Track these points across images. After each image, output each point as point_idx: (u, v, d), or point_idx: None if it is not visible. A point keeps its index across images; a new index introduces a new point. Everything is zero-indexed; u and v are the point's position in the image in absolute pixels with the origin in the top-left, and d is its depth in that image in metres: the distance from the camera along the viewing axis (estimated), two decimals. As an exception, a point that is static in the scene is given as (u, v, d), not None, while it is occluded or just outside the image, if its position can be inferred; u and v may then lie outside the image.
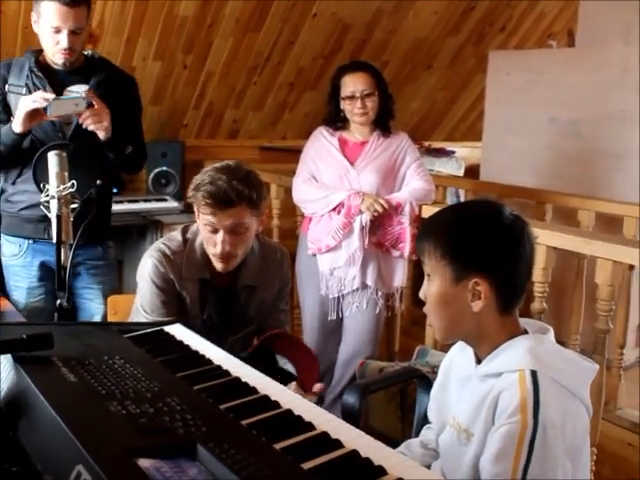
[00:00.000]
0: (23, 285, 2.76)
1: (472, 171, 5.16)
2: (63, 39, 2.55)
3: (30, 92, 2.60)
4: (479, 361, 1.50)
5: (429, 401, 1.68)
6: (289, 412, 1.28)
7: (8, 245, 2.77)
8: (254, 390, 1.38)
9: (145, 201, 4.21)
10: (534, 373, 1.38)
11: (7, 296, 2.75)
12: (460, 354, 1.58)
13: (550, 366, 1.41)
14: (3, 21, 3.65)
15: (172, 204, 4.27)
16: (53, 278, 2.43)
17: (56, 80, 2.65)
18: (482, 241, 1.45)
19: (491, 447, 1.37)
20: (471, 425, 1.46)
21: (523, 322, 1.52)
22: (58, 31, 2.54)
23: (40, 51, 2.69)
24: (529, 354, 1.42)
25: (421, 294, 1.54)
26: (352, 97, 3.04)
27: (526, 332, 1.49)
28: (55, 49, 2.59)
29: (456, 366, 1.60)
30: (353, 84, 3.04)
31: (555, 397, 1.37)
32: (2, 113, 2.67)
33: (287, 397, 1.37)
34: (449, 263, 1.45)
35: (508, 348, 1.45)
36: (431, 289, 1.49)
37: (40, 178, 2.07)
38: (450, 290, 1.46)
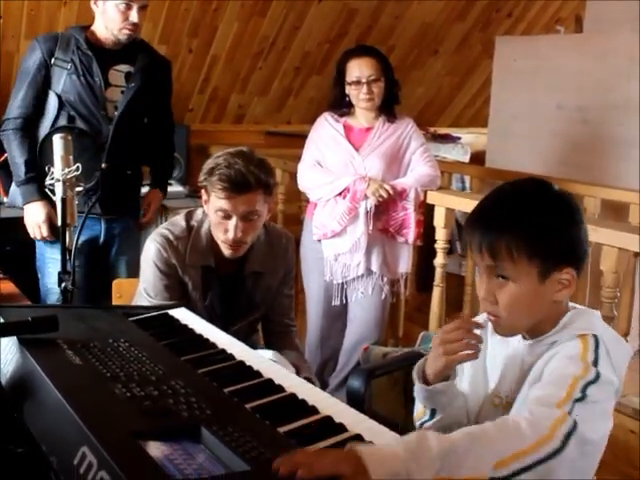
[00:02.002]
0: (57, 257, 2.78)
1: (478, 157, 5.14)
2: (134, 14, 2.73)
3: (76, 68, 2.74)
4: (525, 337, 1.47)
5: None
6: (293, 396, 1.29)
7: None
8: (258, 374, 1.38)
9: (150, 185, 4.20)
10: (595, 336, 1.37)
11: (36, 274, 2.93)
12: (491, 335, 1.54)
13: (605, 337, 1.40)
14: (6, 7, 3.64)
15: (177, 188, 4.25)
16: (88, 252, 2.53)
17: (102, 58, 2.79)
18: (566, 229, 1.37)
19: (541, 384, 1.33)
20: (511, 393, 1.44)
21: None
22: (129, 7, 2.71)
23: (87, 28, 2.82)
24: (592, 323, 1.41)
25: (487, 296, 1.40)
26: (358, 82, 3.02)
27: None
28: (123, 24, 2.74)
29: (492, 346, 1.54)
30: (359, 69, 3.02)
31: (607, 364, 1.36)
32: (41, 87, 2.78)
33: (291, 381, 1.37)
34: (538, 261, 1.35)
35: (573, 320, 1.41)
36: (512, 292, 1.36)
37: (45, 161, 2.08)
38: (537, 288, 1.36)
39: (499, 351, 1.53)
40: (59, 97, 2.76)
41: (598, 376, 1.31)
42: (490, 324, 1.53)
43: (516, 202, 1.39)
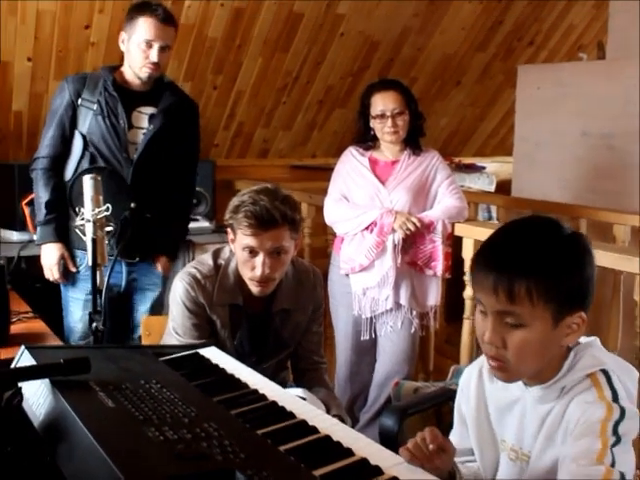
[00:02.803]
0: (80, 297, 2.87)
1: (503, 186, 5.12)
2: (153, 53, 2.76)
3: (102, 109, 2.78)
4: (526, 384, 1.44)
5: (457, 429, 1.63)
6: (328, 437, 1.27)
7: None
8: (291, 415, 1.36)
9: (176, 221, 4.22)
10: (604, 371, 1.36)
11: (60, 310, 2.94)
12: (489, 384, 1.52)
13: (612, 367, 1.38)
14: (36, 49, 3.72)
15: (204, 224, 4.28)
16: (109, 295, 2.55)
17: (127, 100, 2.83)
18: (581, 272, 1.34)
19: (573, 439, 1.30)
20: (527, 446, 1.42)
21: None
22: (150, 46, 2.75)
23: (116, 69, 2.87)
24: (596, 357, 1.38)
25: (494, 340, 1.34)
26: (382, 116, 3.03)
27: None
28: (144, 62, 2.78)
29: (492, 395, 1.52)
30: (383, 103, 3.03)
31: (624, 390, 1.35)
32: (67, 126, 2.83)
33: (325, 422, 1.35)
34: (555, 305, 1.31)
35: (577, 360, 1.39)
36: (524, 337, 1.32)
37: (75, 202, 2.10)
38: (549, 333, 1.33)
39: (501, 399, 1.50)
40: (84, 137, 2.80)
41: (623, 412, 1.29)
42: (485, 370, 1.51)
43: (531, 243, 1.35)
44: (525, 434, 1.43)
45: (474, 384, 1.55)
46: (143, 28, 2.74)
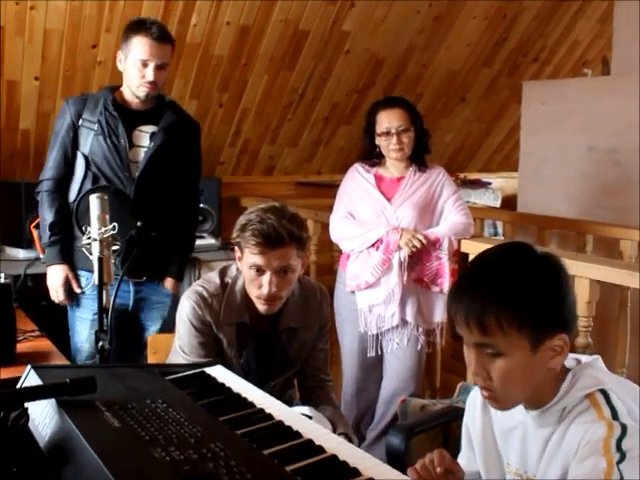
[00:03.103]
0: (87, 316, 2.87)
1: (509, 202, 5.12)
2: (149, 72, 2.74)
3: (102, 129, 2.79)
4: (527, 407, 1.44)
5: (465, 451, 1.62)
6: (334, 457, 1.26)
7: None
8: (298, 434, 1.36)
9: (182, 238, 4.23)
10: (603, 390, 1.35)
11: (67, 330, 2.94)
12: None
13: (612, 386, 1.37)
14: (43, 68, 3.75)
15: (209, 241, 4.28)
16: (116, 313, 2.55)
17: (128, 119, 2.82)
18: (554, 294, 1.33)
19: (577, 461, 1.29)
20: (531, 470, 1.42)
21: (572, 356, 1.46)
22: (145, 65, 2.74)
23: (116, 89, 2.88)
24: (594, 377, 1.38)
25: (478, 371, 1.35)
26: (388, 133, 3.04)
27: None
28: (140, 82, 2.77)
29: (497, 418, 1.52)
30: (388, 120, 3.04)
31: (625, 408, 1.34)
32: (69, 148, 2.84)
33: (331, 441, 1.34)
34: (529, 331, 1.30)
35: (575, 381, 1.38)
36: (504, 366, 1.32)
37: (81, 221, 2.10)
38: (530, 360, 1.32)
39: (504, 422, 1.49)
40: (86, 158, 2.81)
41: (625, 428, 1.28)
42: (478, 398, 1.51)
43: (499, 271, 1.35)
44: (528, 458, 1.43)
45: (480, 406, 1.55)
46: (138, 48, 2.72)
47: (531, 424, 1.43)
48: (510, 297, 1.30)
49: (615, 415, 1.30)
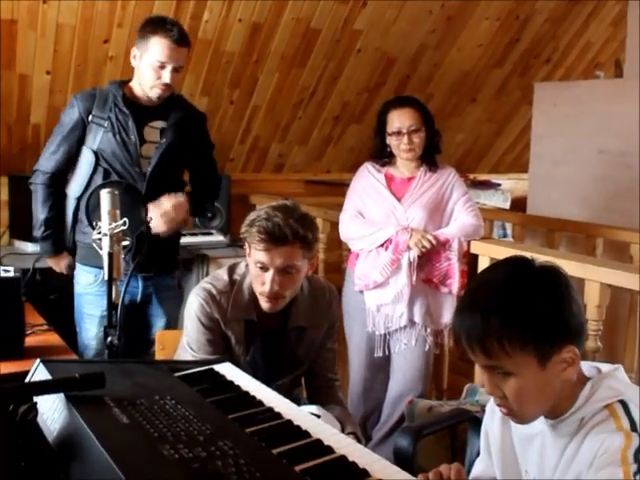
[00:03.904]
0: (96, 313, 2.85)
1: (518, 203, 5.10)
2: (166, 75, 2.72)
3: (112, 125, 2.77)
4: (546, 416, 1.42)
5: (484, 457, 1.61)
6: (343, 458, 1.25)
7: (84, 275, 2.89)
8: (307, 434, 1.35)
9: (191, 235, 4.23)
10: (622, 401, 1.34)
11: (75, 325, 2.95)
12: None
13: (631, 395, 1.36)
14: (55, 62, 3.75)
15: (218, 238, 4.28)
16: (125, 308, 2.55)
17: (138, 115, 2.81)
18: (555, 307, 1.31)
19: (594, 470, 1.28)
20: (548, 478, 1.40)
21: (593, 364, 1.45)
22: (162, 67, 2.72)
23: (124, 83, 2.86)
24: (613, 388, 1.37)
25: (493, 391, 1.35)
26: (399, 133, 3.03)
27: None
28: (155, 83, 2.75)
29: (515, 426, 1.50)
30: (399, 120, 3.03)
31: None
32: (74, 144, 2.83)
33: (340, 441, 1.34)
34: (534, 349, 1.29)
35: (594, 391, 1.37)
36: (516, 386, 1.32)
37: (92, 216, 2.10)
38: (541, 376, 1.32)
39: (524, 431, 1.48)
40: (95, 153, 2.79)
41: None
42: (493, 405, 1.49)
43: (497, 291, 1.33)
44: (546, 467, 1.42)
45: (498, 413, 1.53)
46: (157, 49, 2.69)
47: (549, 433, 1.42)
48: (509, 317, 1.29)
49: (634, 426, 1.29)
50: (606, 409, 1.34)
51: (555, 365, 1.32)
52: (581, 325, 1.36)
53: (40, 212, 2.88)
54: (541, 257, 1.42)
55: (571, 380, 1.36)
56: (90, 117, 2.79)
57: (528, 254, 1.44)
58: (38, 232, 2.91)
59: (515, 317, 1.29)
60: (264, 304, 2.10)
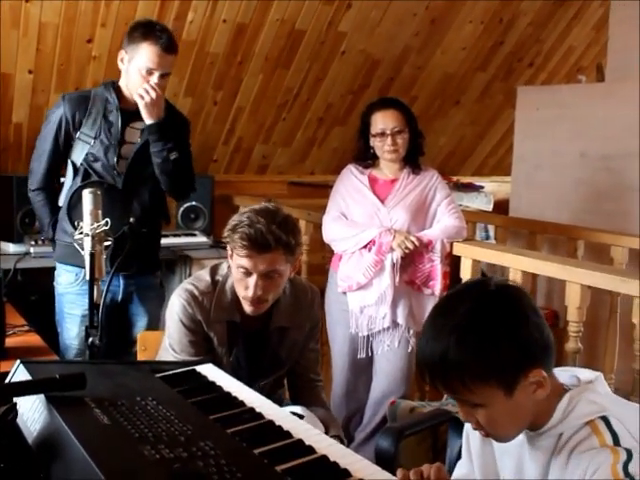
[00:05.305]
0: (77, 313, 2.83)
1: (500, 206, 5.14)
2: (153, 80, 2.70)
3: (99, 132, 2.75)
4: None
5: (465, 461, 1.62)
6: (325, 458, 1.25)
7: (65, 274, 2.87)
8: (288, 434, 1.35)
9: (174, 236, 4.21)
10: (604, 417, 1.33)
11: (56, 325, 2.92)
12: None
13: (612, 409, 1.35)
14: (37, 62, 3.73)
15: (201, 239, 4.27)
16: (106, 308, 2.53)
17: (123, 117, 2.78)
18: (513, 332, 1.29)
19: None
20: None
21: (572, 372, 1.44)
22: (150, 73, 2.70)
23: (115, 85, 2.82)
24: (594, 402, 1.35)
25: (468, 419, 1.36)
26: (382, 134, 3.04)
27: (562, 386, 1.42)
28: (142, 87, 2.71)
29: None
30: (383, 121, 3.04)
31: (626, 435, 1.32)
32: (61, 151, 2.81)
33: (322, 441, 1.34)
34: (496, 383, 1.28)
35: (573, 406, 1.36)
36: (487, 415, 1.32)
37: (74, 216, 2.09)
38: (510, 403, 1.30)
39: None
40: (73, 163, 2.78)
41: (630, 453, 1.27)
42: None
43: (454, 326, 1.29)
44: (524, 477, 1.41)
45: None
46: (146, 56, 2.68)
47: (527, 446, 1.41)
48: (467, 355, 1.27)
49: (617, 441, 1.29)
50: (587, 425, 1.33)
51: (523, 389, 1.31)
52: (544, 345, 1.32)
53: (44, 217, 2.90)
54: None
55: (545, 396, 1.35)
56: (78, 133, 2.76)
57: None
58: (48, 235, 2.93)
59: (473, 354, 1.27)
60: (247, 308, 2.09)
